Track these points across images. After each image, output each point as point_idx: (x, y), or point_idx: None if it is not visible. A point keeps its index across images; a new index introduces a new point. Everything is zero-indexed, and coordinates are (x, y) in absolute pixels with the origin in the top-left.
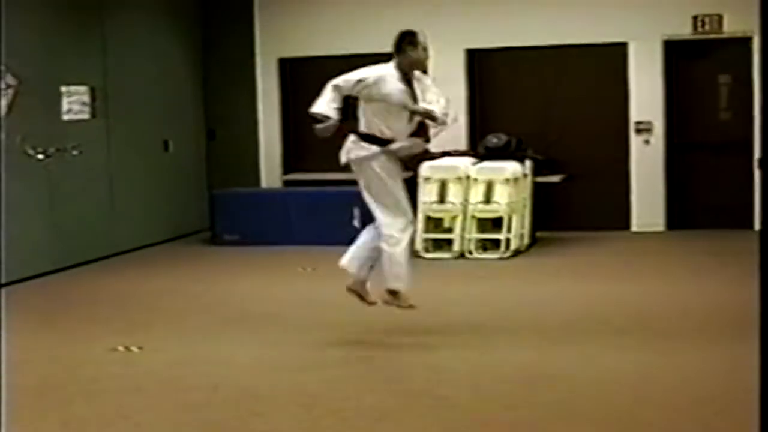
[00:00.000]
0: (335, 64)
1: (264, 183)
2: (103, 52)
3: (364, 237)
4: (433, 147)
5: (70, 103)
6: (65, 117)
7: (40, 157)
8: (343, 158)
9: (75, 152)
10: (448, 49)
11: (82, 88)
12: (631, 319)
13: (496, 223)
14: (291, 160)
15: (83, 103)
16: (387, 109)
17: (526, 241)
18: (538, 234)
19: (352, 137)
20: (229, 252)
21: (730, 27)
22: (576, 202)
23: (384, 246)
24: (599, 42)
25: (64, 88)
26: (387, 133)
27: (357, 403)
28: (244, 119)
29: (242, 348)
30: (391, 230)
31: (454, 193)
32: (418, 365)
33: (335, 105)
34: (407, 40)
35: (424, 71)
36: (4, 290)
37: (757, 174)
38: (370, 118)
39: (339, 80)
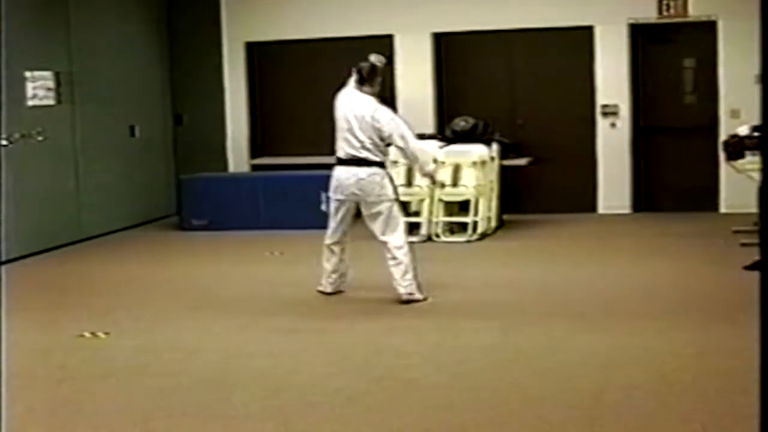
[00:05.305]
0: (302, 48)
1: (231, 167)
2: (68, 36)
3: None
4: None
5: (34, 88)
6: (30, 102)
7: (4, 143)
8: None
9: (40, 138)
10: (415, 32)
11: (47, 74)
12: (598, 301)
13: (463, 207)
14: (258, 145)
15: (48, 89)
16: None
17: (493, 224)
18: (505, 217)
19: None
20: (196, 237)
21: (695, 10)
22: (543, 185)
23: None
24: (565, 25)
25: (28, 74)
26: None
27: (324, 387)
28: (211, 104)
29: (209, 333)
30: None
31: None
32: (384, 349)
33: None
34: (377, 71)
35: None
36: None
37: (722, 157)
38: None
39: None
